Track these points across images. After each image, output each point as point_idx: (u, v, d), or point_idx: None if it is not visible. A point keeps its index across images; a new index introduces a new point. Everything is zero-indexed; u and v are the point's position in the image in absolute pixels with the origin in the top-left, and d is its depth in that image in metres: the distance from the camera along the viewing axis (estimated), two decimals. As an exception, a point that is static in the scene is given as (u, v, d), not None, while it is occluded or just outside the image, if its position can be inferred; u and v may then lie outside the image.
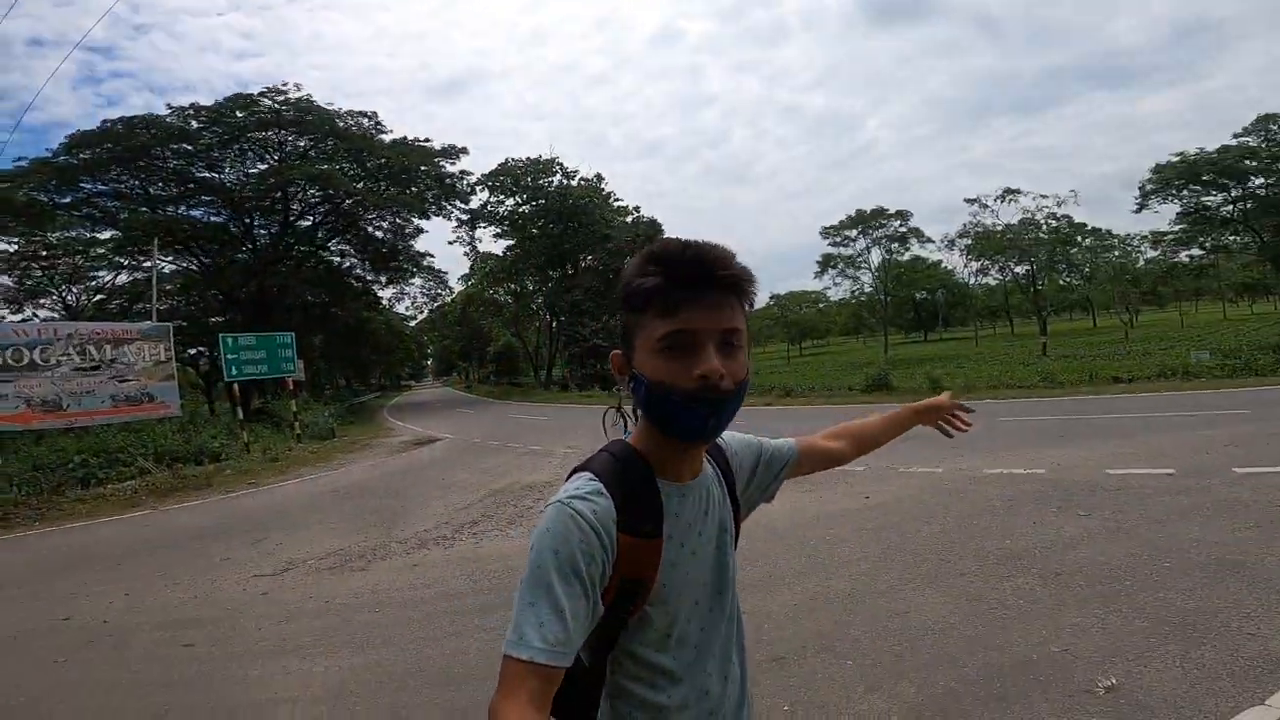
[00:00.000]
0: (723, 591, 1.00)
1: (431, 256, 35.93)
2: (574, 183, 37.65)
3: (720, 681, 0.99)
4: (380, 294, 36.25)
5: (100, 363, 15.53)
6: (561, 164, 37.42)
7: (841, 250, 47.44)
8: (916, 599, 3.87)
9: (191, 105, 24.90)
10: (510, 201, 37.52)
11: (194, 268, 28.59)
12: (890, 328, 52.37)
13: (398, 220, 30.93)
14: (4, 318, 26.95)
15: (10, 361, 13.86)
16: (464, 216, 35.01)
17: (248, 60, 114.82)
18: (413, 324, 55.10)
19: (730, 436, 1.14)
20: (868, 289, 48.44)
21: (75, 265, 29.27)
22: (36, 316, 28.10)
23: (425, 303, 39.48)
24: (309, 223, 29.58)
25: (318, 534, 7.10)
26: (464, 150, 29.91)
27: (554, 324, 40.93)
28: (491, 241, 40.34)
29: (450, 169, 30.34)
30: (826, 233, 47.32)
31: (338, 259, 32.39)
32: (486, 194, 36.20)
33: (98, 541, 7.83)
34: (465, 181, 32.04)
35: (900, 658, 3.16)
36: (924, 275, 51.09)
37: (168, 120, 24.15)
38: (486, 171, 35.89)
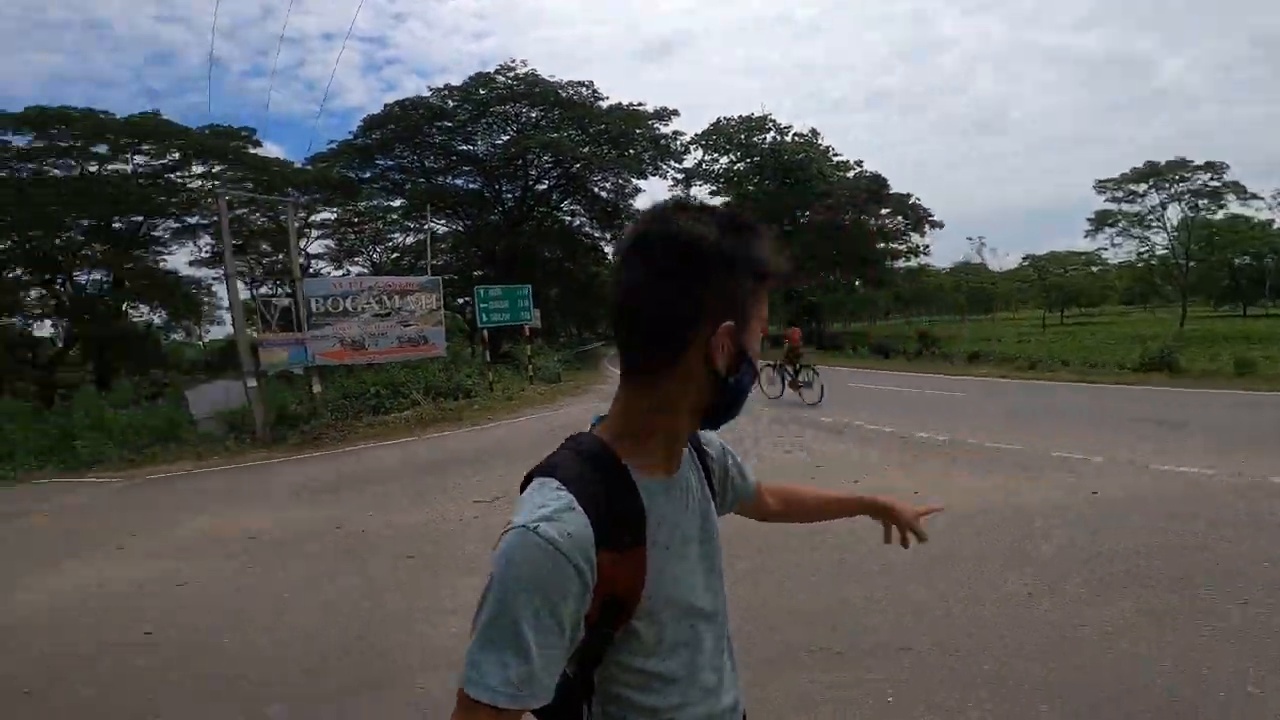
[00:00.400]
0: (710, 588, 0.94)
1: (664, 213, 37.69)
2: (788, 139, 36.48)
3: (714, 673, 0.94)
4: (606, 250, 39.17)
5: (390, 310, 18.95)
6: (774, 120, 36.47)
7: (1124, 207, 39.39)
8: (1104, 615, 3.37)
9: (445, 86, 28.89)
10: (724, 160, 37.55)
11: (460, 229, 33.42)
12: (1192, 297, 42.61)
13: (619, 181, 32.89)
14: (329, 273, 34.28)
15: (330, 309, 17.57)
16: (679, 176, 36.04)
17: (484, 40, 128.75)
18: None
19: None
20: (1160, 251, 39.80)
21: (378, 229, 35.94)
22: (350, 272, 35.24)
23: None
24: (545, 186, 32.69)
25: (530, 467, 8.12)
26: (675, 112, 30.68)
27: (773, 282, 40.62)
28: (707, 199, 40.76)
29: (663, 130, 31.42)
30: (1103, 187, 39.57)
31: (569, 218, 35.46)
32: (700, 153, 36.58)
33: (378, 462, 9.84)
34: (678, 142, 33.11)
35: (1051, 673, 2.83)
36: (1247, 237, 40.47)
37: (431, 101, 28.35)
38: (699, 131, 36.20)
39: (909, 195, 35.14)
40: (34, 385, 28.29)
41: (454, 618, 3.95)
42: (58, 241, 24.29)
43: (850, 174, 37.26)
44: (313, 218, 33.25)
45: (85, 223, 24.29)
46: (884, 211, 34.94)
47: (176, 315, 32.50)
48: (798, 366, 12.49)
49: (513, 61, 28.93)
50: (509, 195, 32.67)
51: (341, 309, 17.67)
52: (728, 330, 0.82)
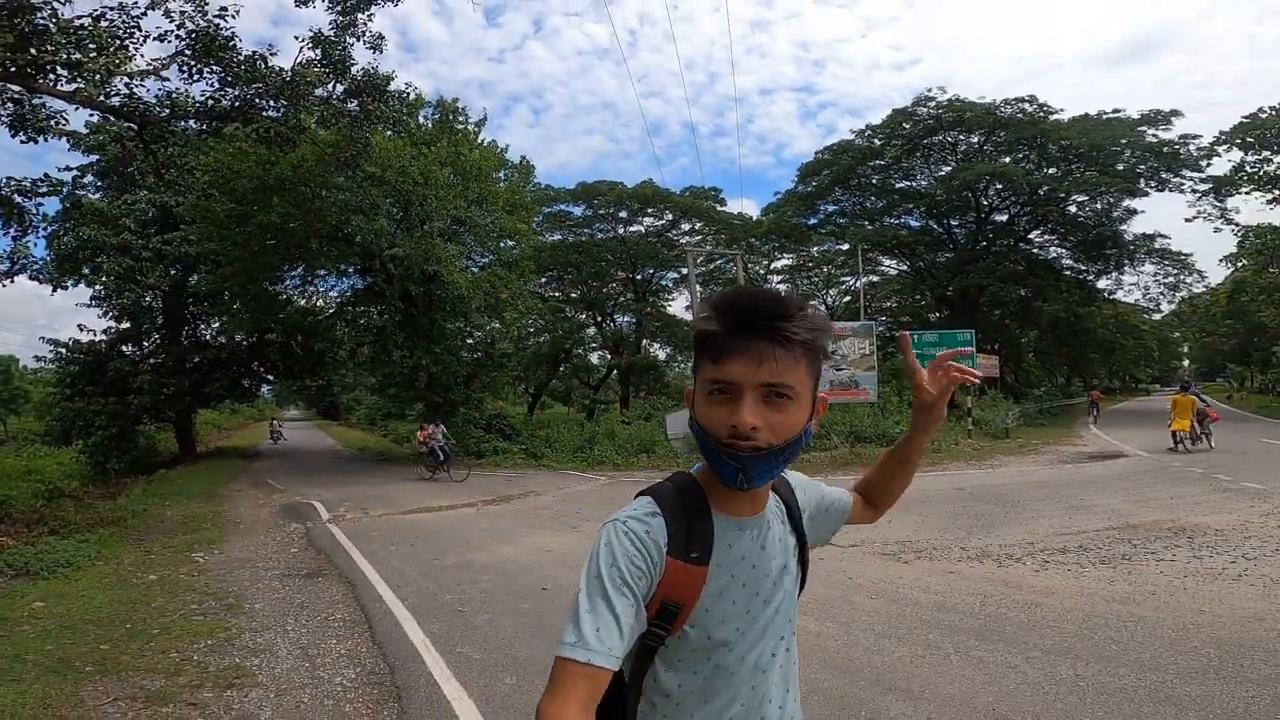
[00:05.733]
0: (772, 626, 1.01)
1: (1165, 238, 29.44)
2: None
3: (754, 715, 1.00)
4: (1099, 286, 32.30)
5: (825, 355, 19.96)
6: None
7: None
8: None
9: (866, 126, 28.86)
10: (1280, 159, 26.85)
11: (906, 270, 32.57)
12: None
13: (1106, 202, 27.24)
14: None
15: (769, 350, 19.54)
16: (1201, 187, 27.59)
17: (908, 70, 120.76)
18: (1155, 318, 46.14)
19: (795, 476, 1.17)
20: None
21: (827, 274, 37.84)
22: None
23: (1162, 293, 32.65)
24: (1005, 217, 29.28)
25: (911, 522, 7.67)
26: (1174, 114, 24.74)
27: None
28: (1263, 209, 29.72)
29: (1162, 136, 25.40)
30: None
31: (1037, 251, 30.85)
32: (1239, 154, 27.02)
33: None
34: (1191, 147, 25.87)
35: None
36: None
37: (856, 143, 28.67)
38: (1225, 130, 26.78)
39: None
40: (585, 400, 39.19)
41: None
42: (604, 290, 33.45)
43: None
44: (773, 265, 37.22)
45: (620, 275, 32.84)
46: None
47: (677, 350, 40.50)
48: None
49: (930, 91, 27.58)
50: (959, 230, 30.42)
51: (780, 352, 19.44)
52: (686, 393, 1.00)
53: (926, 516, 8.09)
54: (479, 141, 20.79)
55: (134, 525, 9.97)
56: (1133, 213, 28.13)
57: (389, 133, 15.96)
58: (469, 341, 23.21)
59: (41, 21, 8.85)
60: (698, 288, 33.67)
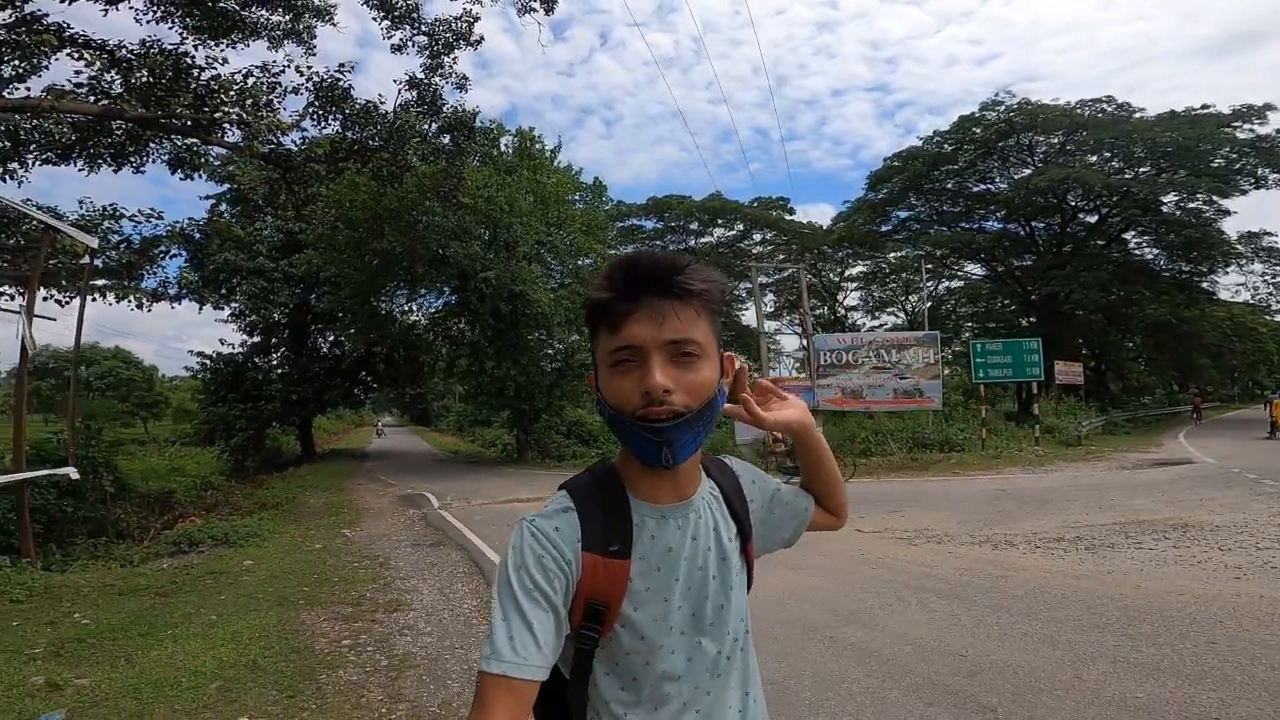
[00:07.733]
0: (716, 623, 0.93)
1: (1271, 235, 27.86)
2: None
3: (703, 717, 0.92)
4: (1204, 286, 30.72)
5: (889, 364, 20.56)
6: None
7: None
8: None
9: (934, 132, 28.78)
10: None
11: (987, 275, 32.18)
12: None
13: (1208, 199, 26.12)
14: (866, 325, 37.58)
15: (834, 362, 20.31)
16: None
17: (989, 64, 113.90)
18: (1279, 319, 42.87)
19: (742, 465, 1.10)
20: None
21: (908, 279, 37.65)
22: (885, 323, 37.80)
23: (1271, 292, 30.96)
24: (1094, 218, 28.43)
25: (936, 516, 8.69)
26: (1269, 107, 23.85)
27: None
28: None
29: (1260, 131, 24.39)
30: None
31: (1132, 252, 29.80)
32: None
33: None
34: None
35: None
36: None
37: (925, 148, 28.55)
38: None
39: None
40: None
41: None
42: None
43: None
44: (846, 272, 37.49)
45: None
46: None
47: (750, 359, 41.29)
48: None
49: (998, 95, 27.26)
50: (1043, 232, 29.84)
51: (844, 362, 20.29)
52: (589, 379, 0.93)
53: (953, 511, 9.05)
54: (555, 166, 22.46)
55: (289, 510, 12.27)
56: (1226, 213, 26.88)
57: (475, 162, 17.29)
58: (549, 353, 25.11)
59: (203, 81, 10.71)
60: (765, 298, 34.55)
